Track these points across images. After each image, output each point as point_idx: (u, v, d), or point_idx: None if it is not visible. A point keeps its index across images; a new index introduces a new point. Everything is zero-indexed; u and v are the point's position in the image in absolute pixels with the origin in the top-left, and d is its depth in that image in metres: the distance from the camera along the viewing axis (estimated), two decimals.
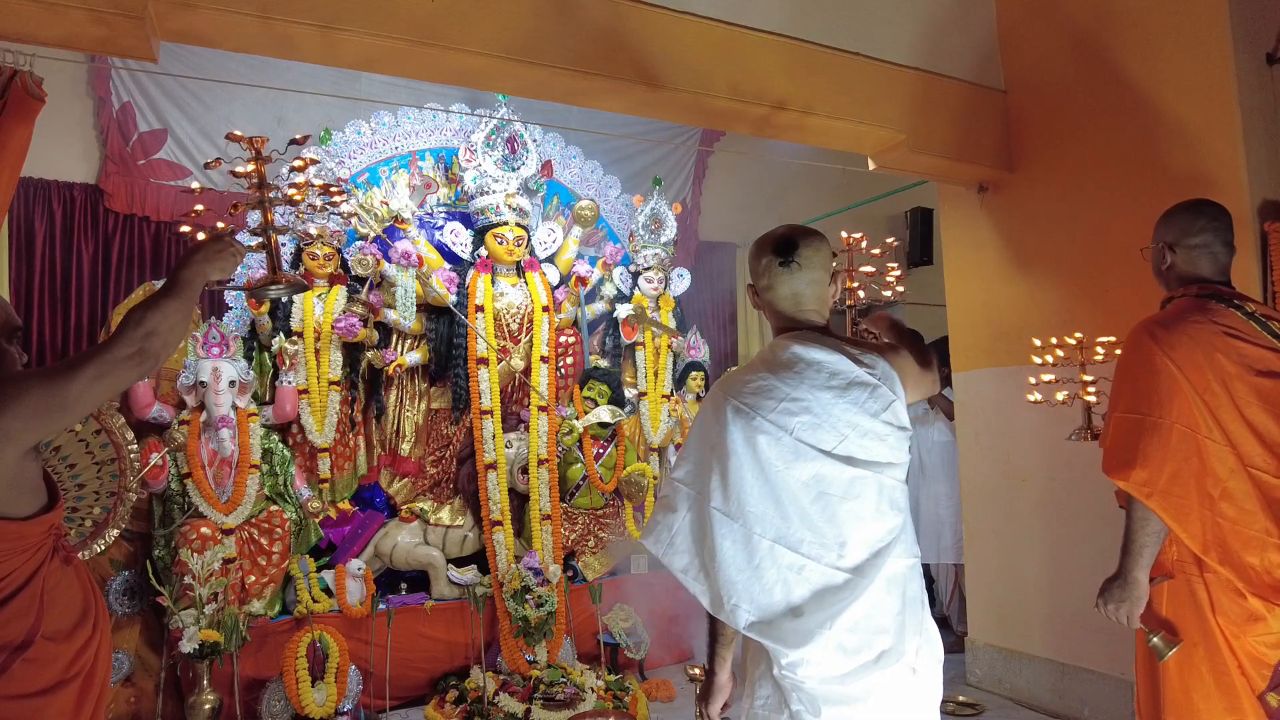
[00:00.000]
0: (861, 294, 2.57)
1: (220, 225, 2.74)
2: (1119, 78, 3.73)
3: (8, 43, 2.55)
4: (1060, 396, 3.27)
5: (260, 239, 2.21)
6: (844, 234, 2.59)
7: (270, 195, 2.29)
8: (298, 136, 2.37)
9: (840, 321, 2.50)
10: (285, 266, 4.11)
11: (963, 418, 4.53)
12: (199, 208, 2.67)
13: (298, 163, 2.66)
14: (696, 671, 3.60)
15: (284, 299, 4.29)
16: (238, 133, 2.23)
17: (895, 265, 3.02)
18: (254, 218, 4.18)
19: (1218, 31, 3.34)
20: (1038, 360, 3.34)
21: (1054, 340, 3.31)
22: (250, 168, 2.24)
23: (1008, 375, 4.19)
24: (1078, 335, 3.26)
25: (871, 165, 4.17)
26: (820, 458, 1.66)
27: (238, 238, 1.89)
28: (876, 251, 2.68)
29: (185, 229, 2.56)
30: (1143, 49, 3.65)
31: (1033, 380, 3.45)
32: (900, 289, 2.93)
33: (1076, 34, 3.94)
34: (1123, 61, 3.73)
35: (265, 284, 2.17)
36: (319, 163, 4.19)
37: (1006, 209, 4.31)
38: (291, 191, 2.44)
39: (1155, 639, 2.05)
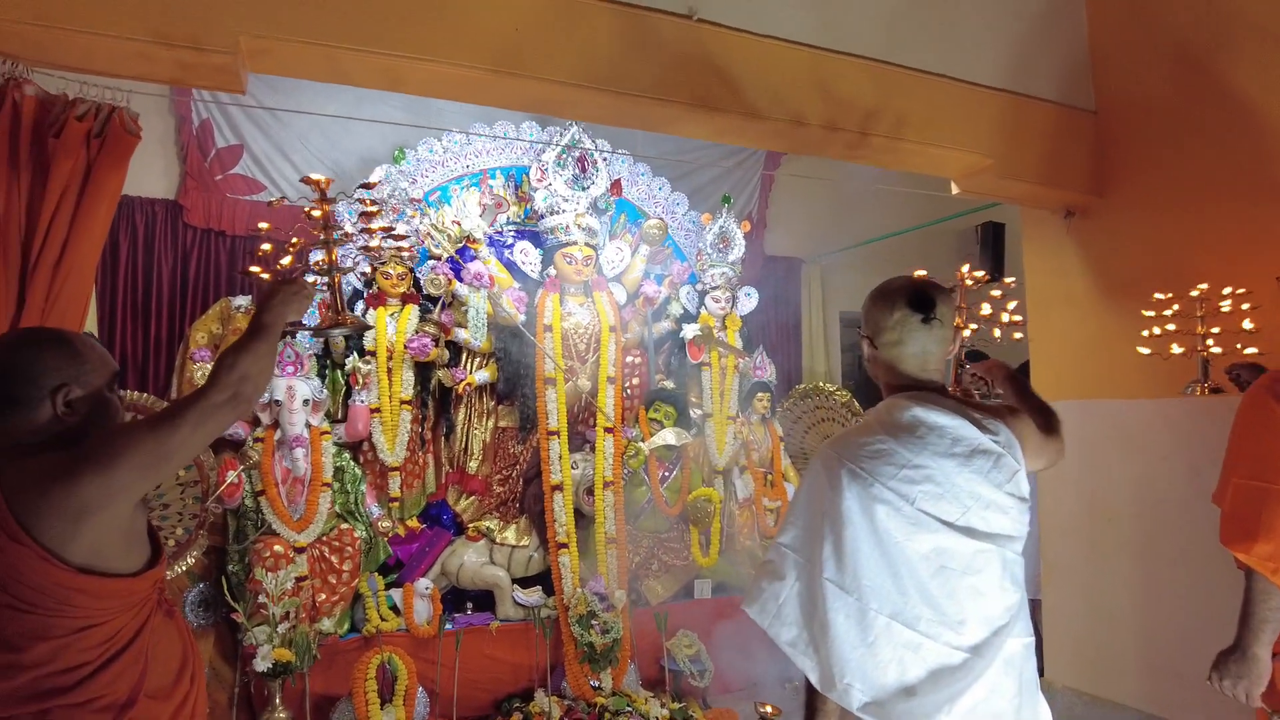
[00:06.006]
0: (966, 333, 2.41)
1: (287, 264, 2.88)
2: (1221, 95, 3.54)
3: (105, 79, 2.58)
4: (1177, 349, 3.27)
5: (325, 279, 2.33)
6: (964, 270, 2.43)
7: (334, 236, 2.41)
8: (370, 181, 2.50)
9: None
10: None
11: None
12: (266, 246, 2.78)
13: (368, 203, 2.75)
14: (769, 710, 3.51)
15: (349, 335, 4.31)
16: (315, 176, 2.33)
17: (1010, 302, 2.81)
18: (316, 254, 4.23)
19: None
20: (1149, 313, 3.45)
21: (1170, 295, 3.39)
22: (317, 212, 2.35)
23: (1094, 408, 4.03)
24: (1202, 286, 3.25)
25: (955, 190, 4.04)
26: (942, 529, 1.58)
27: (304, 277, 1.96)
28: (996, 292, 2.50)
29: (255, 269, 2.65)
30: (1249, 64, 3.45)
31: (1145, 334, 3.47)
32: (1019, 335, 2.76)
33: (1174, 49, 3.76)
34: (1226, 77, 3.53)
35: (330, 325, 2.33)
36: (381, 210, 4.20)
37: (1094, 234, 4.13)
38: (351, 230, 2.58)
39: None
